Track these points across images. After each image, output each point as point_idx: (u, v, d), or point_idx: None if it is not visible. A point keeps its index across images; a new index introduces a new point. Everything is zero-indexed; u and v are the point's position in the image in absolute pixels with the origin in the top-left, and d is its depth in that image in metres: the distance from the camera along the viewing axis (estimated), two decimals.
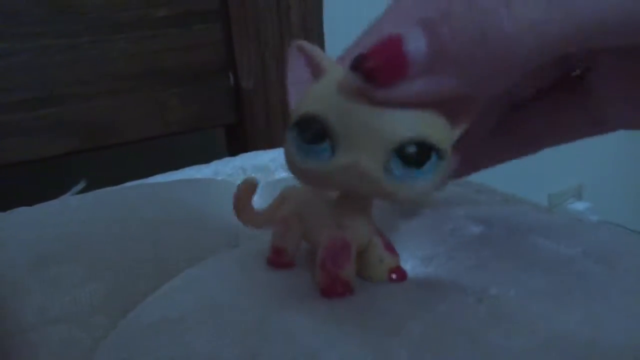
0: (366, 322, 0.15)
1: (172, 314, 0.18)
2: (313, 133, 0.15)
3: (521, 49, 0.13)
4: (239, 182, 0.37)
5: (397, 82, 0.14)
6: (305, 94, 0.16)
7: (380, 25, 0.17)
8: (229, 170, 0.38)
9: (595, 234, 0.20)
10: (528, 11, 0.13)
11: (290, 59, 0.17)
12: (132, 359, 0.16)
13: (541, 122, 0.21)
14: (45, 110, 0.53)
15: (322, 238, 0.17)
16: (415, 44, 0.14)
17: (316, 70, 0.16)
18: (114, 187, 0.34)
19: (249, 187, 0.21)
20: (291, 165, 0.16)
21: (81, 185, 0.59)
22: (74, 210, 0.28)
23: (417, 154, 0.14)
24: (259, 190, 0.33)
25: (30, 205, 0.30)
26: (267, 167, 0.37)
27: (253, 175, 0.38)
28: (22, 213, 0.29)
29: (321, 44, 0.64)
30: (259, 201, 0.31)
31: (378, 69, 0.14)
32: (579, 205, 1.08)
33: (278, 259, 0.19)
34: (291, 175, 0.17)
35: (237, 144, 0.65)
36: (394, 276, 0.18)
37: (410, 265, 0.19)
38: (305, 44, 0.17)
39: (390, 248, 0.18)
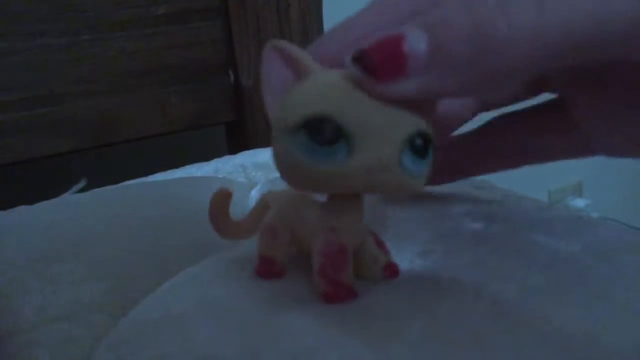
0: (366, 321, 0.15)
1: (172, 312, 0.18)
2: (327, 134, 0.14)
3: (516, 55, 0.14)
4: (240, 179, 0.37)
5: (396, 79, 0.14)
6: (297, 96, 0.15)
7: (365, 16, 0.17)
8: (230, 168, 0.38)
9: (595, 230, 0.20)
10: (523, 18, 0.13)
11: (266, 59, 0.16)
12: (133, 356, 0.16)
13: (522, 140, 0.21)
14: (45, 108, 0.53)
15: (315, 243, 0.17)
16: (416, 43, 0.14)
17: (299, 70, 0.16)
18: (115, 186, 0.34)
19: (223, 198, 0.20)
20: (296, 172, 0.15)
21: (82, 184, 0.59)
22: (75, 208, 0.28)
23: (423, 145, 0.15)
24: (259, 188, 0.33)
25: (30, 204, 0.30)
26: (268, 164, 0.37)
27: (253, 173, 0.38)
28: (22, 212, 0.29)
29: None
30: None
31: (377, 62, 0.14)
32: (579, 202, 1.08)
33: (268, 269, 0.18)
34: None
35: (237, 142, 0.65)
36: (387, 273, 0.18)
37: (408, 260, 0.19)
38: (283, 42, 0.16)
39: (381, 245, 0.18)
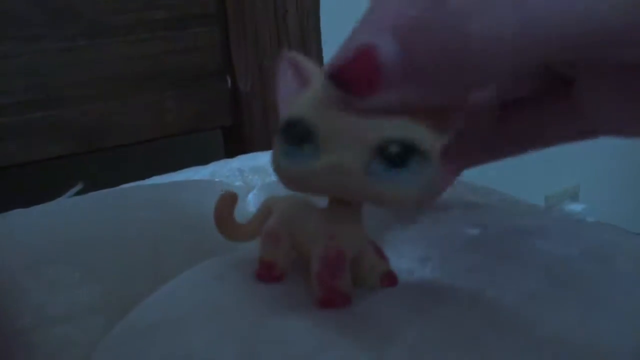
0: (362, 327, 0.15)
1: (170, 315, 0.18)
2: (296, 136, 0.15)
3: (493, 60, 0.13)
4: (237, 183, 0.37)
5: (370, 92, 0.14)
6: (292, 102, 0.16)
7: (358, 34, 0.17)
8: (227, 172, 0.38)
9: (591, 235, 0.20)
10: (499, 22, 0.13)
11: (281, 70, 0.17)
12: (130, 359, 0.16)
13: (526, 124, 0.21)
14: (42, 112, 0.53)
15: (314, 249, 0.17)
16: (388, 54, 0.13)
17: (303, 81, 0.16)
18: (112, 189, 0.34)
19: (229, 200, 0.20)
20: (277, 170, 0.16)
21: (78, 187, 0.59)
22: (71, 212, 0.28)
23: (399, 154, 0.14)
24: (256, 192, 0.33)
25: (27, 207, 0.30)
26: (265, 168, 0.37)
27: (250, 176, 0.38)
28: (19, 215, 0.29)
29: (318, 47, 0.64)
30: (256, 203, 0.31)
31: (350, 79, 0.14)
32: (576, 207, 1.08)
33: (268, 273, 0.18)
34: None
35: (234, 146, 0.65)
36: (385, 282, 0.18)
37: (406, 267, 0.19)
38: (297, 55, 0.17)
39: (380, 253, 0.18)
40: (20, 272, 0.22)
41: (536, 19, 0.13)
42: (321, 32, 0.64)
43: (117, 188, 0.35)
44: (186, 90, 0.60)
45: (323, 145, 0.15)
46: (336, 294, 0.16)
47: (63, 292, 0.21)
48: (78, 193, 0.58)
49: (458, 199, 0.25)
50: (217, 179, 0.38)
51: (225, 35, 0.61)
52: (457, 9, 0.13)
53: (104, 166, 0.63)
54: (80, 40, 0.53)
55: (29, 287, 0.21)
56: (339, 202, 0.17)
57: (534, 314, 0.15)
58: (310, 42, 0.63)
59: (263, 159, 0.38)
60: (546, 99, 0.21)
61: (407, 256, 0.19)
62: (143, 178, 0.39)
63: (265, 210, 0.20)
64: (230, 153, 0.61)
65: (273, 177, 0.37)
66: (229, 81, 0.62)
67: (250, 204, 0.31)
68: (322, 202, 0.18)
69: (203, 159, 0.42)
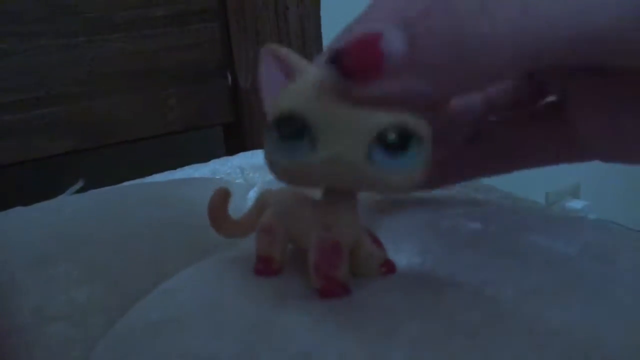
0: (363, 321, 0.15)
1: (169, 313, 0.18)
2: (292, 129, 0.15)
3: (497, 58, 0.13)
4: (237, 181, 0.37)
5: (373, 80, 0.14)
6: (281, 95, 0.16)
7: (361, 23, 0.17)
8: (227, 169, 0.38)
9: (592, 232, 0.20)
10: (505, 19, 0.13)
11: (262, 63, 0.17)
12: (130, 358, 0.16)
13: (513, 142, 0.21)
14: (42, 109, 0.53)
15: (311, 241, 0.17)
16: (393, 42, 0.13)
17: (289, 72, 0.16)
18: (112, 187, 0.34)
19: (222, 197, 0.20)
20: (272, 165, 0.16)
21: (79, 185, 0.59)
22: (72, 209, 0.28)
23: (398, 140, 0.14)
24: (256, 189, 0.33)
25: (28, 205, 0.30)
26: (265, 166, 0.37)
27: (251, 174, 0.38)
28: (19, 213, 0.29)
29: (319, 43, 0.64)
30: None
31: (354, 64, 0.14)
32: (576, 204, 1.08)
33: (266, 268, 0.18)
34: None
35: (235, 143, 0.65)
36: (384, 269, 0.18)
37: (406, 259, 0.19)
38: (277, 47, 0.16)
39: (377, 242, 0.18)
40: (20, 270, 0.22)
41: (536, 20, 0.13)
42: (322, 29, 0.64)
43: (118, 186, 0.35)
44: (186, 88, 0.60)
45: (321, 138, 0.14)
46: (335, 284, 0.16)
47: (63, 290, 0.21)
48: (79, 191, 0.58)
49: (460, 196, 0.25)
50: (217, 177, 0.38)
51: (226, 32, 0.61)
52: (460, 6, 0.13)
53: (105, 164, 0.64)
54: (80, 37, 0.53)
55: (29, 285, 0.21)
56: (333, 192, 0.17)
57: (535, 310, 0.15)
58: (311, 39, 0.63)
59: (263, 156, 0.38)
60: (533, 118, 0.21)
61: (407, 250, 0.19)
62: (143, 176, 0.39)
63: (260, 205, 0.20)
64: (231, 150, 0.61)
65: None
66: (230, 78, 0.62)
67: (250, 201, 0.31)
68: (315, 193, 0.18)
69: (204, 157, 0.42)
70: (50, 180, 0.58)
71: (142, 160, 0.56)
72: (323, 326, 0.15)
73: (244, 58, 0.62)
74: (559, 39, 0.13)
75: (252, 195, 0.32)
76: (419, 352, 0.14)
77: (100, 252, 0.23)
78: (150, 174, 0.39)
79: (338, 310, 0.16)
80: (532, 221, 0.21)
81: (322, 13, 0.64)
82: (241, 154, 0.41)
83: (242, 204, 0.30)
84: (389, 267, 0.18)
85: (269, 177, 0.36)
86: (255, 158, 0.39)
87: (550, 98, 0.21)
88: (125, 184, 0.36)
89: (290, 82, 0.16)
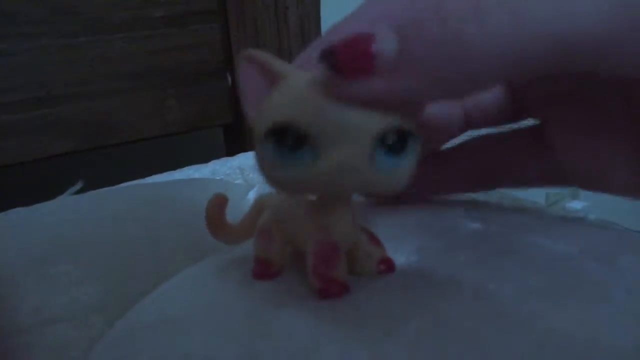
0: (364, 320, 0.15)
1: (169, 313, 0.18)
2: (291, 141, 0.14)
3: (487, 62, 0.13)
4: (237, 181, 0.37)
5: (363, 75, 0.14)
6: (268, 103, 0.15)
7: (353, 23, 0.17)
8: (227, 170, 0.38)
9: (593, 232, 0.20)
10: (496, 25, 0.13)
11: (241, 69, 0.16)
12: (129, 359, 0.16)
13: (496, 162, 0.21)
14: (42, 110, 0.53)
15: (308, 242, 0.17)
16: (385, 43, 0.14)
17: (271, 78, 0.16)
18: (112, 187, 0.34)
19: (219, 203, 0.20)
20: (271, 177, 0.15)
21: (78, 185, 0.59)
22: (71, 210, 0.28)
23: (397, 141, 0.14)
24: (256, 190, 0.33)
25: (27, 205, 0.30)
26: None
27: (251, 175, 0.38)
28: (18, 213, 0.29)
29: None
30: None
31: (345, 61, 0.14)
32: (576, 204, 1.08)
33: (265, 271, 0.18)
34: None
35: (235, 144, 0.65)
36: (383, 268, 0.18)
37: (405, 258, 0.19)
38: (255, 52, 0.16)
39: (375, 240, 0.18)
40: (19, 271, 0.22)
41: (529, 26, 0.13)
42: (322, 29, 0.64)
43: (118, 186, 0.35)
44: (186, 88, 0.60)
45: (322, 146, 0.14)
46: (334, 284, 0.16)
47: (62, 291, 0.21)
48: (78, 191, 0.58)
49: (459, 196, 0.25)
50: (217, 177, 0.38)
51: (226, 33, 0.61)
52: (454, 10, 0.13)
53: (104, 164, 0.64)
54: (80, 38, 0.53)
55: (28, 286, 0.21)
56: (327, 194, 0.17)
57: (535, 310, 0.15)
58: (311, 39, 0.63)
59: None
60: (514, 138, 0.21)
61: (406, 248, 0.19)
62: (143, 176, 0.39)
63: (256, 209, 0.20)
64: (231, 151, 0.61)
65: None
66: (230, 79, 0.62)
67: (250, 202, 0.31)
68: (312, 196, 0.18)
69: (203, 157, 0.42)
70: (50, 180, 0.58)
71: (142, 161, 0.56)
72: (323, 326, 0.15)
73: None
74: (551, 45, 0.13)
75: (252, 195, 0.32)
76: (419, 352, 0.14)
77: (100, 253, 0.23)
78: (150, 174, 0.39)
79: (338, 310, 0.16)
80: (532, 221, 0.21)
81: (322, 13, 0.64)
82: (241, 155, 0.41)
83: (241, 204, 0.30)
84: (388, 265, 0.18)
85: None
86: (255, 159, 0.39)
87: (531, 120, 0.21)
88: (125, 184, 0.36)
89: (274, 89, 0.15)
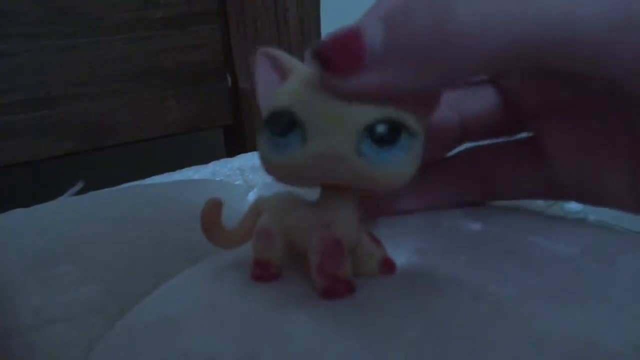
0: (364, 321, 0.15)
1: (169, 314, 0.18)
2: (282, 125, 0.15)
3: (477, 48, 0.13)
4: (237, 182, 0.37)
5: (354, 71, 0.14)
6: (274, 94, 0.16)
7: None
8: (227, 171, 0.38)
9: (593, 233, 0.20)
10: (485, 8, 0.13)
11: (257, 65, 0.17)
12: (129, 359, 0.16)
13: (491, 174, 0.21)
14: (42, 111, 0.53)
15: (311, 242, 0.17)
16: (373, 34, 0.14)
17: (282, 74, 0.16)
18: (112, 188, 0.34)
19: (214, 207, 0.19)
20: (264, 163, 0.16)
21: (79, 186, 0.59)
22: (71, 211, 0.28)
23: (387, 133, 0.14)
24: (256, 191, 0.33)
25: (27, 206, 0.30)
26: None
27: (251, 175, 0.38)
28: (18, 214, 0.29)
29: None
30: None
31: (333, 55, 0.14)
32: (576, 205, 1.08)
33: (264, 273, 0.18)
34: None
35: (235, 145, 0.65)
36: (383, 268, 0.18)
37: (405, 258, 0.19)
38: (270, 49, 0.17)
39: (376, 241, 0.18)
40: (19, 271, 0.22)
41: (522, 14, 0.13)
42: (321, 30, 0.64)
43: (118, 187, 0.35)
44: (186, 89, 0.60)
45: (310, 133, 0.15)
46: (339, 282, 0.16)
47: (62, 291, 0.21)
48: (78, 192, 0.58)
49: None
50: (217, 178, 0.38)
51: (226, 34, 0.61)
52: None
53: (104, 165, 0.64)
54: (80, 38, 0.53)
55: (28, 287, 0.21)
56: (330, 191, 0.17)
57: (535, 310, 0.15)
58: (311, 40, 0.63)
59: None
60: (511, 149, 0.21)
61: (407, 249, 0.19)
62: (143, 177, 0.39)
63: (254, 212, 0.20)
64: (231, 152, 0.61)
65: None
66: (230, 80, 0.62)
67: (250, 203, 0.31)
68: (311, 195, 0.18)
69: (203, 158, 0.42)
70: (49, 181, 0.58)
71: (142, 162, 0.56)
72: (323, 326, 0.15)
73: (244, 60, 0.62)
74: (553, 32, 0.13)
75: (252, 197, 0.32)
76: (419, 352, 0.14)
77: (100, 253, 0.23)
78: (150, 175, 0.39)
79: (338, 310, 0.16)
80: (532, 222, 0.21)
81: (322, 14, 0.64)
82: (241, 156, 0.41)
83: (241, 205, 0.30)
84: (388, 265, 0.18)
85: (269, 179, 0.36)
86: (255, 160, 0.39)
87: (526, 133, 0.21)
88: (125, 185, 0.36)
89: (283, 82, 0.16)
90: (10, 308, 0.21)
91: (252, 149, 0.48)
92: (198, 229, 0.26)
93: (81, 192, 0.54)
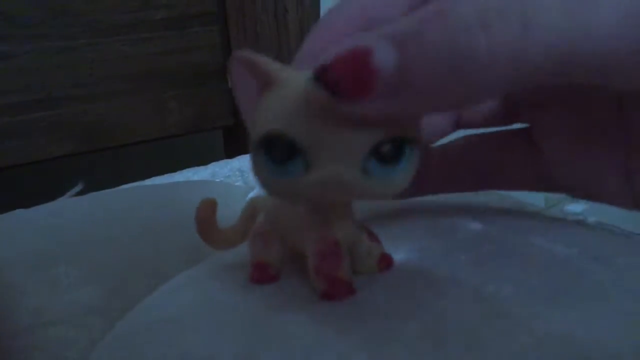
0: (362, 321, 0.15)
1: (169, 314, 0.18)
2: (282, 152, 0.14)
3: (493, 76, 0.13)
4: (237, 183, 0.37)
5: (362, 97, 0.13)
6: (262, 108, 0.15)
7: (332, 24, 0.16)
8: (227, 172, 0.38)
9: (592, 234, 0.20)
10: (506, 37, 0.12)
11: (236, 72, 0.16)
12: (129, 359, 0.16)
13: (484, 163, 0.21)
14: (43, 112, 0.53)
15: (308, 242, 0.16)
16: (384, 60, 0.13)
17: (265, 81, 0.15)
18: (112, 190, 0.34)
19: (209, 208, 0.19)
20: (264, 185, 0.15)
21: (79, 187, 0.59)
22: (72, 212, 0.28)
23: (392, 151, 0.14)
24: (256, 192, 0.33)
25: (27, 207, 0.30)
26: None
27: (251, 177, 0.38)
28: (19, 215, 0.29)
29: None
30: None
31: (342, 81, 0.13)
32: (576, 207, 1.08)
33: (262, 275, 0.18)
34: None
35: (234, 146, 0.65)
36: (382, 265, 0.18)
37: (405, 258, 0.19)
38: (247, 53, 0.15)
39: (373, 238, 0.18)
40: (19, 272, 0.22)
41: (539, 39, 0.12)
42: None
43: (117, 188, 0.35)
44: (186, 91, 0.60)
45: (313, 159, 0.14)
46: (339, 283, 0.16)
47: (62, 292, 0.21)
48: (78, 193, 0.58)
49: (460, 197, 0.25)
50: (217, 179, 0.38)
51: (226, 35, 0.61)
52: (458, 19, 0.12)
53: (104, 166, 0.64)
54: (80, 40, 0.53)
55: (29, 287, 0.21)
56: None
57: (535, 311, 0.15)
58: None
59: None
60: (507, 139, 0.21)
61: (406, 248, 0.19)
62: (143, 178, 0.39)
63: (249, 213, 0.19)
64: (231, 153, 0.61)
65: None
66: (229, 81, 0.62)
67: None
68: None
69: (203, 159, 0.42)
70: (49, 182, 0.58)
71: (142, 163, 0.56)
72: (323, 326, 0.15)
73: None
74: (563, 56, 0.13)
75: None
76: (419, 352, 0.14)
77: (100, 254, 0.23)
78: (150, 176, 0.39)
79: (338, 310, 0.16)
80: (532, 223, 0.21)
81: (322, 15, 0.64)
82: (241, 157, 0.41)
83: (242, 206, 0.30)
84: (386, 261, 0.18)
85: None
86: None
87: (521, 124, 0.21)
88: (125, 186, 0.36)
89: (268, 92, 0.15)
90: (10, 309, 0.21)
91: None
92: None
93: (81, 193, 0.54)
